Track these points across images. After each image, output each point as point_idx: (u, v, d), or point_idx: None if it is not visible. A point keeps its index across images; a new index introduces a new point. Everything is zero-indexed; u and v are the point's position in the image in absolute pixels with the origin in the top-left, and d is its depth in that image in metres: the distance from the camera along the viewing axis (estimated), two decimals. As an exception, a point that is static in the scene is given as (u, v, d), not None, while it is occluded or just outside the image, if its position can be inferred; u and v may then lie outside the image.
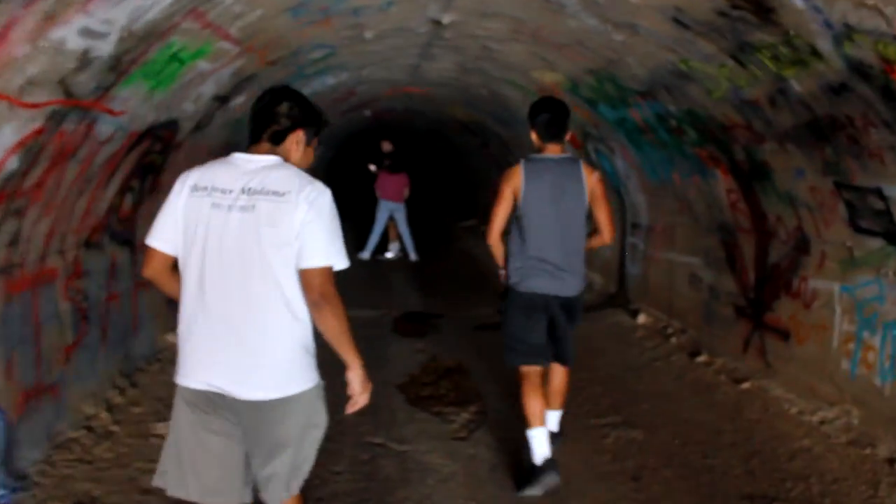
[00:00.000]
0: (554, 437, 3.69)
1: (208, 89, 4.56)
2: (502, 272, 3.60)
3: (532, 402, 3.47)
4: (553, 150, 3.44)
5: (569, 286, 3.45)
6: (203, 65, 4.20)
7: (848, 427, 4.06)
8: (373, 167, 11.28)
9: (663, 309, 6.56)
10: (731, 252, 5.39)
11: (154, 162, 4.62)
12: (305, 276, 2.09)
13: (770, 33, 3.42)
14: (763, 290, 4.98)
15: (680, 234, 6.31)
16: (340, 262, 2.14)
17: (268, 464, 2.20)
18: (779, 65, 3.63)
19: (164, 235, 2.20)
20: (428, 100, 10.64)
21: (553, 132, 3.42)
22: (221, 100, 5.01)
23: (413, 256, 11.14)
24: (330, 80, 7.61)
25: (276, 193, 2.07)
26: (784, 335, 4.72)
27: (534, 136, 3.47)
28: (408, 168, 11.23)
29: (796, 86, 3.69)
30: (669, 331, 6.31)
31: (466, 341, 6.42)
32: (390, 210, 10.94)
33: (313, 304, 2.12)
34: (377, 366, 5.16)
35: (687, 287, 6.13)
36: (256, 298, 2.10)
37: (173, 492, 2.26)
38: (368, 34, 5.44)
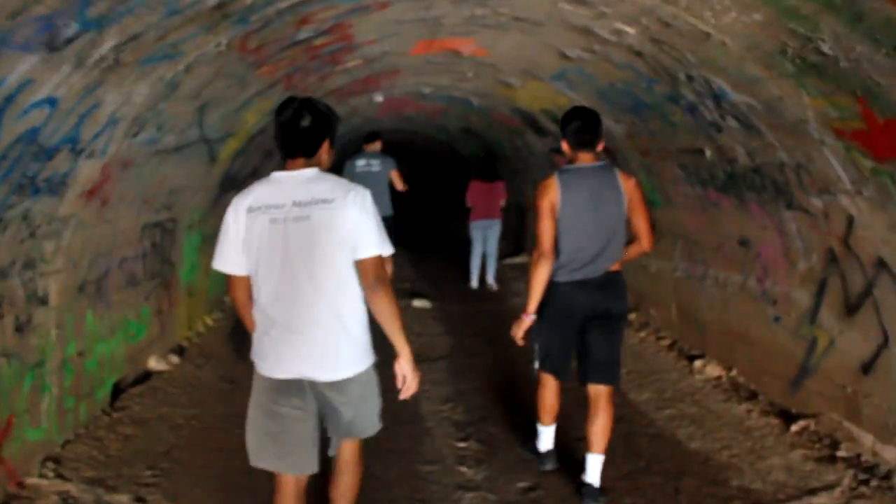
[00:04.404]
0: (596, 494, 3.39)
1: None
2: (528, 319, 3.43)
3: (547, 401, 3.62)
4: (585, 159, 3.45)
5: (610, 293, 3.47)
6: None
7: None
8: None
9: None
10: None
11: None
12: (362, 265, 2.39)
13: None
14: None
15: None
16: (388, 249, 2.44)
17: (343, 423, 2.52)
18: None
19: (231, 259, 2.46)
20: (486, 65, 6.03)
21: (585, 140, 3.44)
22: None
23: (493, 285, 8.91)
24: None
25: (325, 201, 2.36)
26: None
27: (565, 145, 3.49)
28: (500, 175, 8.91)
29: None
30: None
31: None
32: (485, 229, 8.72)
33: (370, 287, 2.41)
34: None
35: None
36: (326, 293, 2.38)
37: (255, 462, 2.55)
38: None
